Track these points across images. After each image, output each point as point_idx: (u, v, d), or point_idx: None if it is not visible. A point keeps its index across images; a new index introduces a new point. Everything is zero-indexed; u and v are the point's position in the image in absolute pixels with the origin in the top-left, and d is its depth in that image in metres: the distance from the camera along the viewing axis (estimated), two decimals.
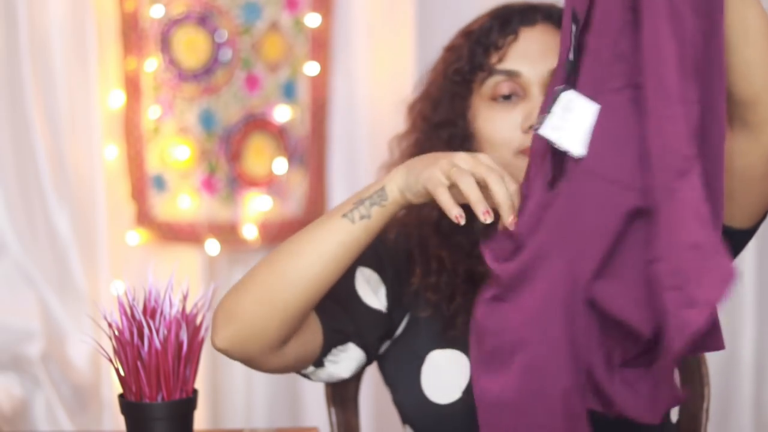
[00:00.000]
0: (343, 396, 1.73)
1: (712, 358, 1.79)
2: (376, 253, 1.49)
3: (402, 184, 1.28)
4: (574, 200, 1.13)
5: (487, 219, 1.21)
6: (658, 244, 1.08)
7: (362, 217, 1.29)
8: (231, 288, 1.37)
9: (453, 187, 1.24)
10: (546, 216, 1.15)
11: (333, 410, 1.71)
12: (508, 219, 1.20)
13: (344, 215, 1.29)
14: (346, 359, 1.46)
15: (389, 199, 1.28)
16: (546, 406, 1.15)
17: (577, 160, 1.13)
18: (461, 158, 1.25)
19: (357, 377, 1.74)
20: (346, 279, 1.45)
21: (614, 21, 1.12)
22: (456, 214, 1.22)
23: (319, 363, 1.45)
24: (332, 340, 1.43)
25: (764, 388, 2.63)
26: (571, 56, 1.17)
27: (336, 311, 1.44)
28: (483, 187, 1.23)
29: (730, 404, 2.61)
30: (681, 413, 1.55)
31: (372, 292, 1.47)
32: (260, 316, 1.32)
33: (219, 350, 1.36)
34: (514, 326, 1.16)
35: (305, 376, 1.48)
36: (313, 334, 1.41)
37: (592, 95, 1.14)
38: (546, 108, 1.18)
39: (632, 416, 1.17)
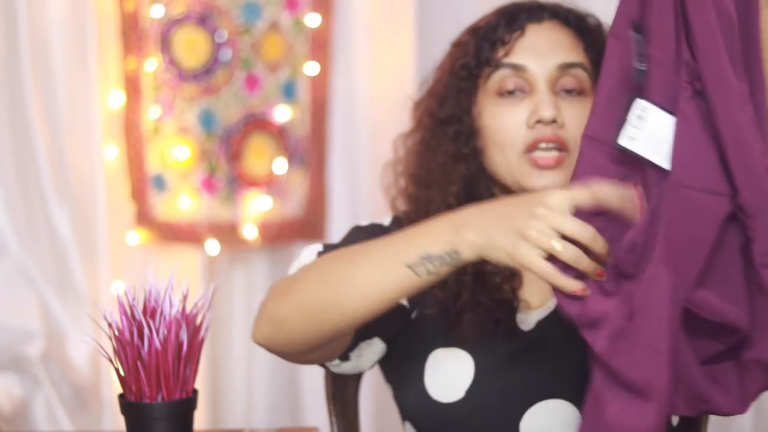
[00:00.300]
0: (343, 396, 1.73)
1: None
2: None
3: (478, 246, 1.20)
4: (674, 218, 1.15)
5: (602, 278, 1.17)
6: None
7: (430, 273, 1.24)
8: (279, 285, 1.36)
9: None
10: (646, 243, 1.17)
11: (333, 410, 1.72)
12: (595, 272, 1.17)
13: (409, 267, 1.24)
14: (370, 353, 1.48)
15: (462, 260, 1.22)
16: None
17: (665, 174, 1.15)
18: (552, 204, 1.16)
19: (357, 377, 1.75)
20: None
21: (671, 30, 1.14)
22: (578, 288, 1.17)
23: (344, 357, 1.46)
24: (360, 336, 1.44)
25: None
26: (639, 65, 1.17)
27: None
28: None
29: None
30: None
31: None
32: (303, 328, 1.32)
33: (256, 343, 1.37)
34: (640, 361, 1.15)
35: (327, 368, 1.50)
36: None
37: (666, 105, 1.16)
38: (616, 117, 1.18)
39: (726, 412, 1.19)
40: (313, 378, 2.47)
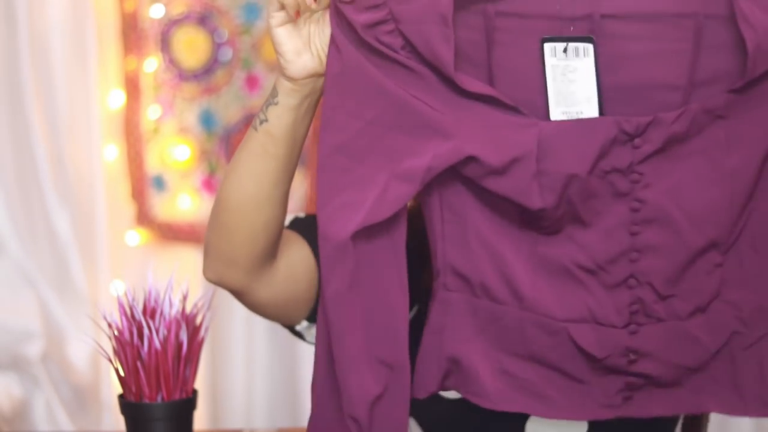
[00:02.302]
0: None
1: None
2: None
3: (280, 69, 1.25)
4: None
5: (312, 5, 1.19)
6: None
7: (261, 122, 1.27)
8: None
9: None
10: None
11: None
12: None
13: (252, 125, 1.29)
14: None
15: (279, 93, 1.26)
16: None
17: None
18: None
19: None
20: None
21: None
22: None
23: (312, 318, 1.44)
24: None
25: None
26: None
27: None
28: None
29: None
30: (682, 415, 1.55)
31: None
32: (219, 244, 1.33)
33: (209, 281, 1.38)
34: None
35: (299, 335, 1.47)
36: (307, 271, 1.40)
37: None
38: None
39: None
40: None
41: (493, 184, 1.18)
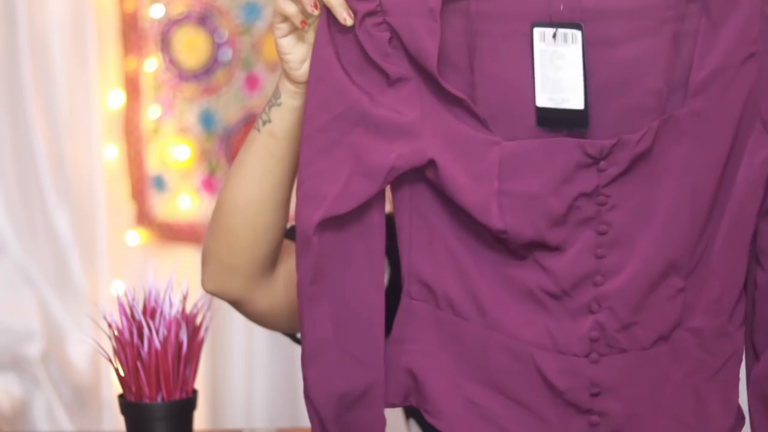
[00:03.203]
0: None
1: None
2: (391, 237, 1.49)
3: (283, 72, 1.25)
4: None
5: (314, 11, 1.17)
6: None
7: (264, 123, 1.27)
8: None
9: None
10: None
11: None
12: (342, 17, 1.16)
13: (254, 127, 1.29)
14: None
15: (282, 95, 1.25)
16: None
17: None
18: None
19: None
20: None
21: None
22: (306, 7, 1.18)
23: None
24: None
25: None
26: None
27: None
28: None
29: None
30: None
31: None
32: (221, 251, 1.32)
33: (208, 292, 1.36)
34: None
35: (299, 341, 1.46)
36: None
37: None
38: None
39: None
40: None
41: (456, 196, 1.17)
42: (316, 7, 1.16)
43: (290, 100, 1.25)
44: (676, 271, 1.17)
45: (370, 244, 1.21)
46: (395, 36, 1.15)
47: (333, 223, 1.18)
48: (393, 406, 1.25)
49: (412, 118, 1.16)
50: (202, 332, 1.38)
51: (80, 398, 2.42)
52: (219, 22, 2.43)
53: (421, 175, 1.19)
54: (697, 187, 1.16)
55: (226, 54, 2.44)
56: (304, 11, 1.18)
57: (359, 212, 1.19)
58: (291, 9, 1.18)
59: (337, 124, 1.17)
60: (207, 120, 2.45)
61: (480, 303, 1.19)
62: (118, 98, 2.42)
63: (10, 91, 2.38)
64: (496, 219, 1.16)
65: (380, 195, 1.20)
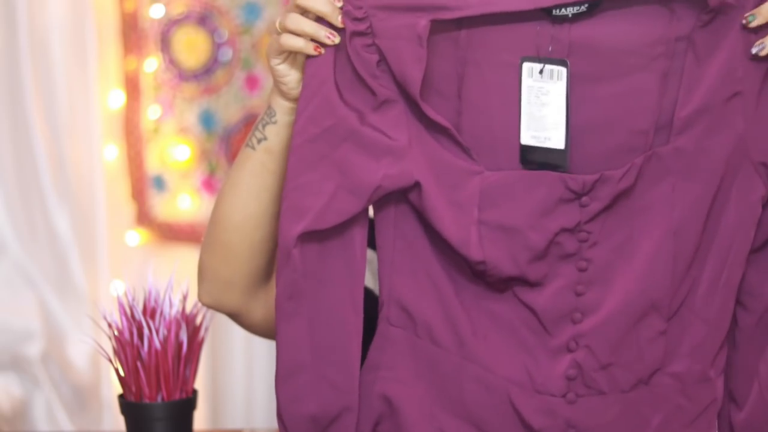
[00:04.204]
0: None
1: None
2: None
3: (277, 90, 1.26)
4: None
5: (334, 40, 1.17)
6: None
7: (259, 141, 1.28)
8: None
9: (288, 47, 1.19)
10: None
11: None
12: (337, 21, 1.16)
13: (246, 145, 1.29)
14: None
15: (277, 113, 1.26)
16: None
17: None
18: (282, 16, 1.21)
19: None
20: None
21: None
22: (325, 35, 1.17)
23: None
24: None
25: None
26: None
27: None
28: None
29: None
30: None
31: (371, 274, 1.47)
32: (217, 266, 1.33)
33: (205, 306, 1.36)
34: None
35: None
36: None
37: None
38: None
39: None
40: None
41: (436, 222, 1.16)
42: (333, 36, 1.16)
43: (286, 117, 1.26)
44: (657, 312, 1.16)
45: (351, 263, 1.20)
46: (383, 59, 1.15)
47: (314, 238, 1.17)
48: None
49: (399, 139, 1.16)
50: (202, 332, 1.38)
51: (80, 398, 2.42)
52: (219, 22, 2.43)
53: (406, 199, 1.18)
54: (681, 227, 1.15)
55: (226, 54, 2.44)
56: (318, 37, 1.17)
57: (341, 229, 1.18)
58: (300, 43, 1.18)
59: (326, 138, 1.17)
60: (207, 120, 2.45)
61: (459, 333, 1.18)
62: (118, 98, 2.42)
63: (10, 91, 2.38)
64: (475, 250, 1.15)
65: (363, 214, 1.19)
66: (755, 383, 1.20)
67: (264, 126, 1.27)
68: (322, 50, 1.16)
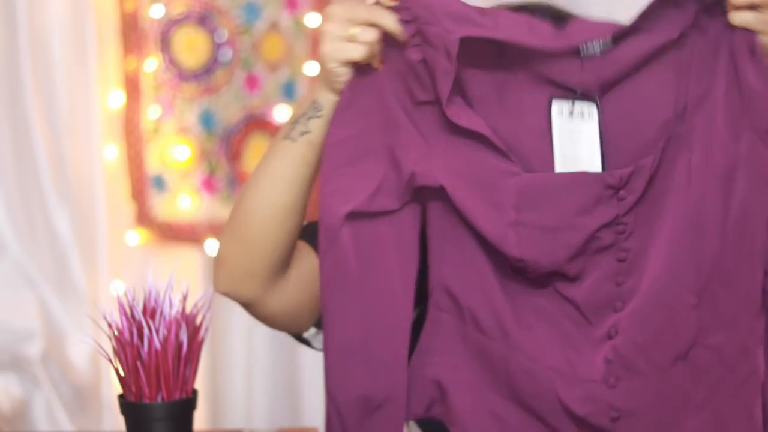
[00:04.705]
0: None
1: None
2: None
3: (326, 84, 1.27)
4: None
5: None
6: None
7: (302, 134, 1.29)
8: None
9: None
10: None
11: None
12: (401, 34, 1.19)
13: (285, 137, 1.30)
14: None
15: (324, 107, 1.28)
16: None
17: None
18: (333, 14, 1.23)
19: None
20: None
21: None
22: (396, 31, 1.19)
23: (320, 324, 1.44)
24: None
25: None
26: None
27: None
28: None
29: None
30: None
31: None
32: (240, 255, 1.34)
33: (221, 294, 1.38)
34: None
35: (307, 342, 1.47)
36: (313, 276, 1.40)
37: None
38: None
39: None
40: (313, 378, 2.47)
41: (473, 222, 1.19)
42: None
43: (332, 111, 1.28)
44: (686, 287, 1.18)
45: (402, 247, 1.23)
46: (425, 62, 1.18)
47: (364, 220, 1.21)
48: (414, 416, 1.25)
49: (429, 140, 1.20)
50: (202, 332, 1.38)
51: (80, 398, 2.42)
52: (219, 22, 2.43)
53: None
54: (699, 201, 1.17)
55: (226, 54, 2.44)
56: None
57: (392, 214, 1.21)
58: (364, 53, 1.21)
59: (376, 129, 1.20)
60: (207, 120, 2.45)
61: (503, 324, 1.21)
62: (118, 98, 2.42)
63: (10, 91, 2.38)
64: (513, 248, 1.17)
65: (414, 201, 1.22)
66: None
67: (309, 119, 1.28)
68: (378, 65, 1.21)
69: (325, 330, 1.24)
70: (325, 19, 1.24)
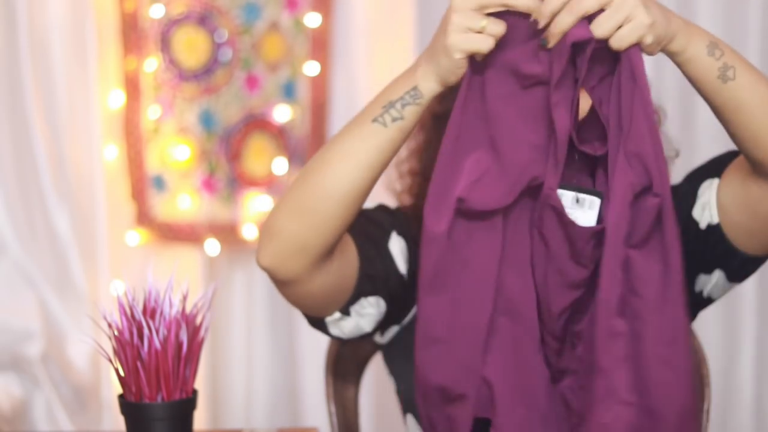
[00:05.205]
0: (343, 396, 1.73)
1: (712, 359, 1.79)
2: (410, 231, 1.50)
3: (436, 77, 1.27)
4: None
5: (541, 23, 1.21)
6: None
7: (395, 120, 1.28)
8: (273, 206, 1.39)
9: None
10: None
11: (333, 410, 1.72)
12: (544, 18, 1.20)
13: (374, 120, 1.29)
14: (371, 312, 1.46)
15: (425, 96, 1.28)
16: None
17: None
18: (461, 4, 1.22)
19: (357, 377, 1.74)
20: (382, 236, 1.48)
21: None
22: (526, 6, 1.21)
23: (345, 311, 1.44)
24: (364, 286, 1.44)
25: (765, 389, 2.63)
26: None
27: (372, 254, 1.45)
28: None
29: (731, 405, 2.61)
30: None
31: (403, 258, 1.48)
32: (299, 230, 1.32)
33: (263, 268, 1.36)
34: None
35: (325, 327, 1.47)
36: (351, 263, 1.42)
37: None
38: None
39: None
40: (313, 378, 2.47)
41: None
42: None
43: (431, 102, 1.29)
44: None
45: (495, 249, 1.26)
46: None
47: (463, 219, 1.24)
48: (477, 415, 1.29)
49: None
50: (202, 332, 1.38)
51: (80, 398, 2.42)
52: (219, 22, 2.43)
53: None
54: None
55: (226, 54, 2.44)
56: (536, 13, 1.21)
57: (489, 215, 1.25)
58: (490, 44, 1.22)
59: (481, 133, 1.25)
60: (207, 120, 2.45)
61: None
62: (118, 98, 2.42)
63: (10, 91, 2.38)
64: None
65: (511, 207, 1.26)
66: None
67: (404, 106, 1.28)
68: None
69: (417, 319, 1.28)
70: (452, 8, 1.23)
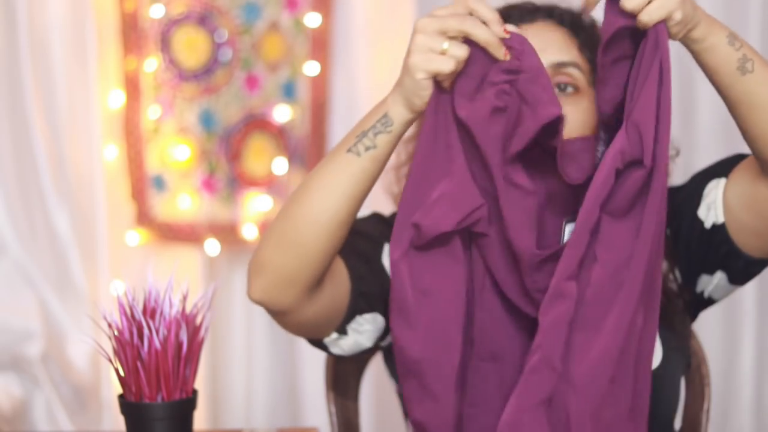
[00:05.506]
0: (343, 395, 1.73)
1: (712, 359, 1.79)
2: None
3: (403, 101, 1.27)
4: None
5: (507, 57, 1.22)
6: None
7: (368, 149, 1.28)
8: (260, 240, 1.39)
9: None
10: None
11: (333, 409, 1.71)
12: (501, 54, 1.22)
13: (348, 150, 1.29)
14: (369, 328, 1.46)
15: (395, 123, 1.28)
16: None
17: None
18: (424, 26, 1.23)
19: (357, 377, 1.74)
20: (374, 250, 1.48)
21: None
22: (500, 50, 1.23)
23: (342, 330, 1.44)
24: (358, 304, 1.44)
25: (765, 389, 2.62)
26: None
27: (364, 271, 1.45)
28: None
29: (731, 405, 2.61)
30: (682, 414, 1.55)
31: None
32: (286, 262, 1.33)
33: (255, 302, 1.37)
34: None
35: (325, 347, 1.47)
36: (342, 284, 1.42)
37: None
38: None
39: None
40: (313, 378, 2.47)
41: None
42: (507, 54, 1.23)
43: (402, 128, 1.29)
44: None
45: (456, 281, 1.27)
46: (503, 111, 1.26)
47: (421, 251, 1.25)
48: None
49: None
50: (202, 332, 1.38)
51: (80, 398, 2.42)
52: (219, 22, 2.43)
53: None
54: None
55: (226, 54, 2.44)
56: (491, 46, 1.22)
57: (446, 243, 1.25)
58: (453, 66, 1.22)
59: (446, 160, 1.25)
60: (207, 120, 2.45)
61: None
62: (118, 98, 2.42)
63: (10, 91, 2.38)
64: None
65: (465, 232, 1.26)
66: None
67: (376, 135, 1.28)
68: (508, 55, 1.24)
69: (397, 351, 1.28)
70: (415, 30, 1.23)
